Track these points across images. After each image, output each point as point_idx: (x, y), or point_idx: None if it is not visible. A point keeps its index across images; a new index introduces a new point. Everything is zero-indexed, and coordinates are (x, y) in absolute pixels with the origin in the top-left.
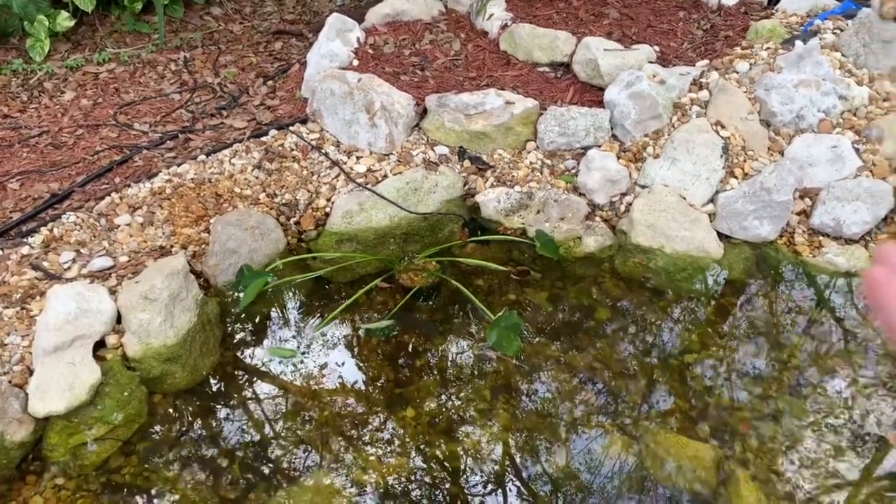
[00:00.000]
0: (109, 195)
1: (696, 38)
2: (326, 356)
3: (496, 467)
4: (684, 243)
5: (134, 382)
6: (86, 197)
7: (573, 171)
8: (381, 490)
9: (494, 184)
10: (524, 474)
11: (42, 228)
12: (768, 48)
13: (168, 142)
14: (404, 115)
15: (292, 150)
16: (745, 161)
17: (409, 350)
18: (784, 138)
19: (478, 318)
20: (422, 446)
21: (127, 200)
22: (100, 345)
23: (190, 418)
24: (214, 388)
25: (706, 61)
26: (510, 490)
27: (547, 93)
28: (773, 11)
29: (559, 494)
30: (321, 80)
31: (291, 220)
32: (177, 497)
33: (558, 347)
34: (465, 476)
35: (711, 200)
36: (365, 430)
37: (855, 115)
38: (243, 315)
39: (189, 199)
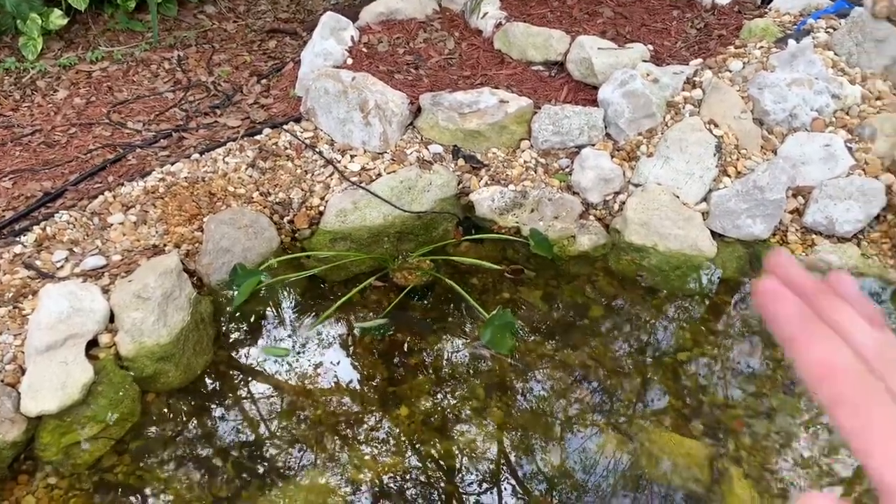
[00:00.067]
0: (102, 194)
1: (689, 37)
2: (320, 355)
3: (491, 466)
4: (678, 242)
5: (127, 381)
6: (79, 196)
7: (567, 169)
8: (376, 489)
9: (489, 182)
10: (519, 473)
11: (35, 227)
12: (761, 47)
13: (162, 140)
14: (398, 114)
15: (286, 148)
16: (738, 160)
17: (403, 349)
18: (777, 137)
19: (472, 316)
20: (416, 445)
21: (120, 199)
22: (92, 344)
23: (183, 417)
24: (208, 387)
25: (700, 60)
26: (505, 488)
27: (541, 91)
28: (767, 10)
29: (554, 493)
30: (315, 78)
31: (285, 219)
32: (170, 496)
33: (552, 346)
34: (459, 475)
35: (705, 199)
36: (359, 429)
37: (848, 113)
38: (237, 314)
39: (182, 198)
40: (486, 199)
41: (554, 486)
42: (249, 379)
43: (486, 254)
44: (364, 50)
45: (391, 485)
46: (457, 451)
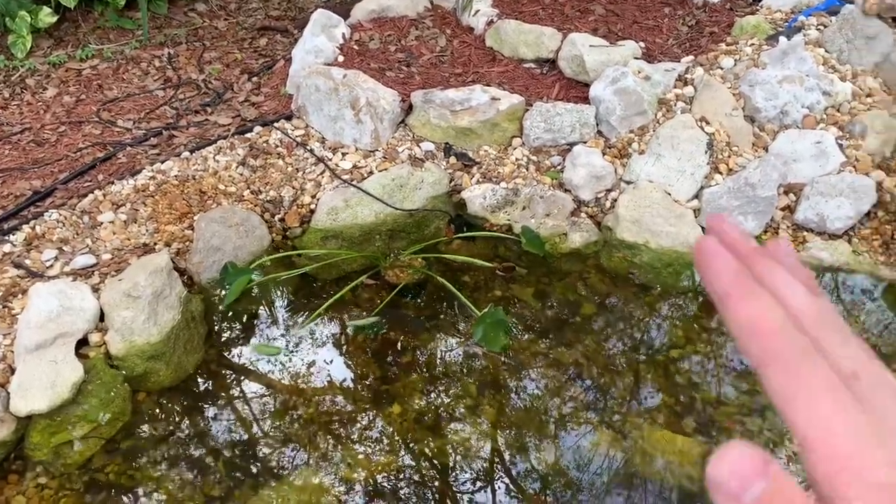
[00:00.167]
0: (92, 192)
1: (681, 35)
2: (312, 353)
3: (484, 464)
4: (669, 239)
5: (117, 380)
6: (68, 194)
7: (559, 167)
8: (369, 488)
9: (480, 180)
10: (512, 471)
11: (24, 226)
12: (753, 44)
13: (152, 139)
14: (390, 112)
15: (277, 146)
16: (729, 157)
17: (396, 347)
18: (768, 134)
19: (464, 314)
20: (409, 443)
21: (110, 198)
22: (82, 343)
23: (174, 416)
24: (199, 386)
25: (691, 57)
26: (498, 487)
27: (533, 89)
28: (758, 8)
29: (547, 491)
30: (306, 76)
31: (276, 217)
32: (162, 496)
33: (545, 343)
34: (452, 473)
35: (696, 196)
36: (352, 428)
37: (838, 110)
38: (228, 312)
39: (173, 197)
40: (477, 196)
41: (547, 485)
42: (241, 378)
43: (478, 251)
44: (355, 47)
45: (384, 483)
46: (450, 450)
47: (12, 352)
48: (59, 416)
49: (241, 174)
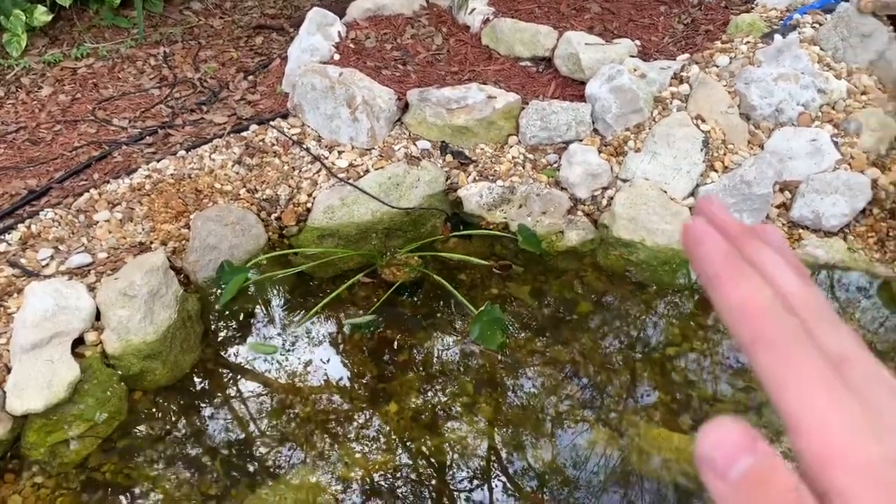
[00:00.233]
0: (88, 191)
1: (676, 33)
2: (309, 352)
3: (481, 462)
4: (665, 237)
5: (114, 380)
6: (64, 193)
7: (555, 165)
8: (366, 486)
9: (477, 178)
10: (509, 469)
11: (19, 225)
12: (748, 42)
13: (147, 137)
14: (386, 110)
15: (273, 145)
16: (725, 154)
17: (392, 345)
18: (764, 132)
19: (461, 312)
20: (406, 441)
21: (106, 196)
22: (79, 342)
23: (171, 415)
24: (196, 385)
25: (687, 55)
26: (495, 485)
27: (529, 87)
28: (753, 6)
29: (544, 489)
30: (302, 74)
31: (272, 216)
32: (158, 495)
33: (541, 341)
34: (449, 471)
35: (692, 194)
36: (348, 426)
37: (833, 108)
38: (225, 311)
39: (169, 195)
40: (474, 194)
41: (544, 483)
42: (238, 377)
43: (475, 250)
44: (351, 46)
45: (381, 482)
46: (447, 448)
47: (8, 351)
48: (56, 416)
49: (238, 173)
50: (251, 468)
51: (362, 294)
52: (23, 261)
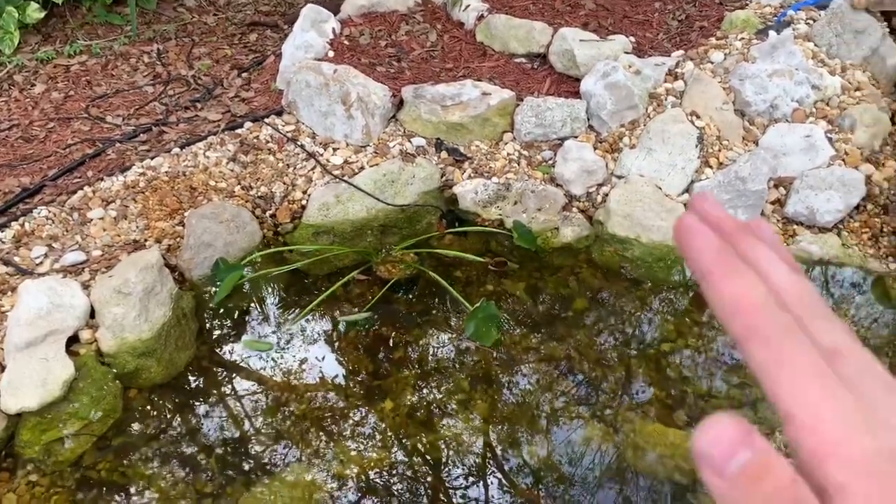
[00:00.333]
0: (82, 189)
1: (671, 29)
2: (304, 349)
3: (476, 459)
4: (660, 233)
5: (108, 377)
6: (58, 191)
7: (550, 162)
8: (361, 483)
9: (472, 175)
10: (504, 465)
11: (13, 223)
12: (742, 38)
13: (141, 135)
14: (381, 107)
15: (268, 142)
16: (719, 151)
17: (388, 342)
18: (758, 128)
19: (456, 309)
20: (401, 438)
21: (100, 194)
22: (73, 340)
23: (166, 413)
24: (191, 383)
25: (681, 52)
26: (491, 481)
27: (524, 84)
28: (748, 2)
29: (540, 485)
30: (296, 71)
31: (267, 213)
32: (154, 493)
33: (537, 338)
34: (444, 468)
35: (687, 190)
36: (344, 424)
37: (828, 104)
38: (219, 309)
39: (163, 193)
40: (469, 191)
41: (540, 479)
42: (233, 374)
43: (470, 246)
44: (346, 42)
45: (376, 479)
46: (442, 445)
47: (2, 349)
48: (50, 414)
49: (232, 170)
50: (246, 466)
51: (357, 291)
52: (16, 259)
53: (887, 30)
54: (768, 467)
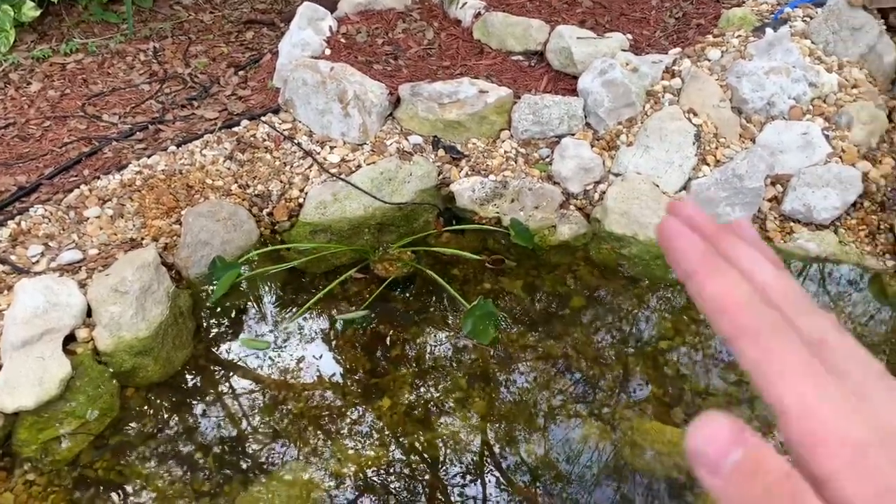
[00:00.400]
0: (78, 187)
1: (668, 26)
2: (301, 348)
3: (473, 457)
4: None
5: (105, 376)
6: (54, 189)
7: (547, 159)
8: (359, 482)
9: (469, 173)
10: (502, 463)
11: (9, 222)
12: (739, 36)
13: (138, 133)
14: (377, 105)
15: (264, 140)
16: (717, 148)
17: (385, 340)
18: (755, 125)
19: (453, 307)
20: (399, 437)
21: (96, 193)
22: (70, 339)
23: (163, 412)
24: (188, 382)
25: (678, 49)
26: (488, 479)
27: (521, 81)
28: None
29: (537, 483)
30: (293, 69)
31: (264, 212)
32: (151, 492)
33: (534, 336)
34: (442, 466)
35: (684, 187)
36: (341, 422)
37: (825, 101)
38: (217, 307)
39: (160, 191)
40: (466, 189)
41: (537, 477)
42: (230, 373)
43: (467, 244)
44: (342, 40)
45: (374, 477)
46: (440, 443)
47: None
48: (47, 413)
49: (229, 168)
50: (244, 465)
51: (355, 289)
52: (13, 257)
53: (884, 27)
54: (762, 462)
